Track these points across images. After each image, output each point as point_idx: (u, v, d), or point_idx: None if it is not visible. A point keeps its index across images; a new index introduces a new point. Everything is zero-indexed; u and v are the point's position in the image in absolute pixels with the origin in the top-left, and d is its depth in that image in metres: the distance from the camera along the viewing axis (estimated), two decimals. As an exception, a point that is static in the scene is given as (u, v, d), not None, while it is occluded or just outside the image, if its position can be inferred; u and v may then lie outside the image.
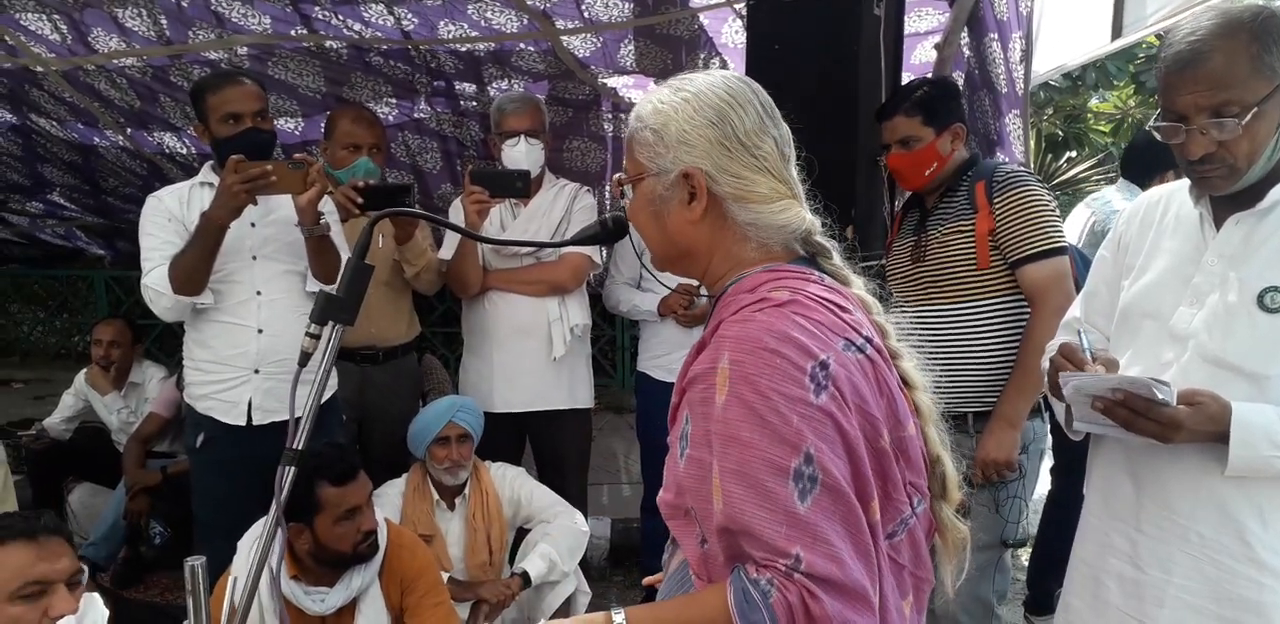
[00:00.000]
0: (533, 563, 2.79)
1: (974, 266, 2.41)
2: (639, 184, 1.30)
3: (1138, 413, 1.47)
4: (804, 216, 1.27)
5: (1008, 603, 2.79)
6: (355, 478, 2.36)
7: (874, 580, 1.12)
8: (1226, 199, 1.55)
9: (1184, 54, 1.46)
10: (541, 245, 1.68)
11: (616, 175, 1.36)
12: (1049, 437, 2.64)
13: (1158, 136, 1.54)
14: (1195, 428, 1.44)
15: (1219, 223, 1.56)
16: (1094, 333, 1.76)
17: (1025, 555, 3.84)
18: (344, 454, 2.44)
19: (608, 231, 1.56)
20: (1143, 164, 3.55)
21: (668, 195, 1.27)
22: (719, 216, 1.26)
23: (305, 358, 1.44)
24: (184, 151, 4.39)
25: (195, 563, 1.39)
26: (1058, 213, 2.42)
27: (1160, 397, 1.44)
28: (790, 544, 1.08)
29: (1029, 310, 2.39)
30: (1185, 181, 1.63)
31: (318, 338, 1.42)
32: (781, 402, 1.10)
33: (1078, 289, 2.39)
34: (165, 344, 4.88)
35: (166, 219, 2.65)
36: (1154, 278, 1.64)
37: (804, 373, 1.11)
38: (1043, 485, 3.80)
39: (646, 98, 1.31)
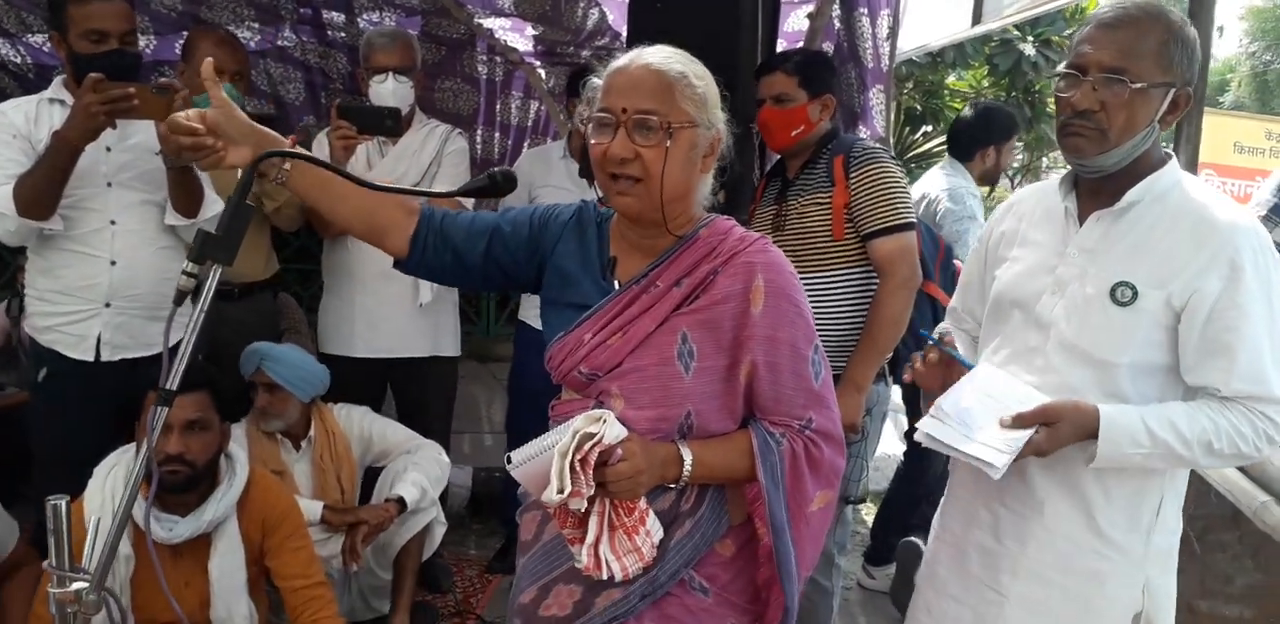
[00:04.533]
0: (406, 489, 2.83)
1: (830, 238, 2.54)
2: (685, 130, 1.48)
3: None
4: None
5: (848, 554, 2.98)
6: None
7: None
8: (1089, 196, 1.67)
9: (1108, 17, 1.58)
10: (426, 194, 1.69)
11: (656, 117, 1.45)
12: (891, 400, 2.83)
13: (1058, 82, 1.62)
14: (1063, 443, 1.58)
15: (1083, 218, 1.68)
16: (964, 326, 1.93)
17: (866, 510, 4.11)
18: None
19: (496, 185, 1.59)
20: (967, 140, 3.71)
21: (702, 147, 1.52)
22: (703, 174, 1.56)
23: (181, 296, 1.40)
24: (17, 60, 4.07)
25: (58, 502, 1.37)
26: (908, 190, 2.57)
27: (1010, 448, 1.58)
28: (806, 411, 1.53)
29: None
30: (1053, 181, 1.75)
31: (194, 276, 1.40)
32: (804, 307, 1.53)
33: (923, 262, 2.57)
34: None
35: (11, 135, 2.47)
36: (1023, 268, 1.75)
37: (801, 286, 1.55)
38: (889, 446, 4.07)
39: (675, 56, 1.51)
